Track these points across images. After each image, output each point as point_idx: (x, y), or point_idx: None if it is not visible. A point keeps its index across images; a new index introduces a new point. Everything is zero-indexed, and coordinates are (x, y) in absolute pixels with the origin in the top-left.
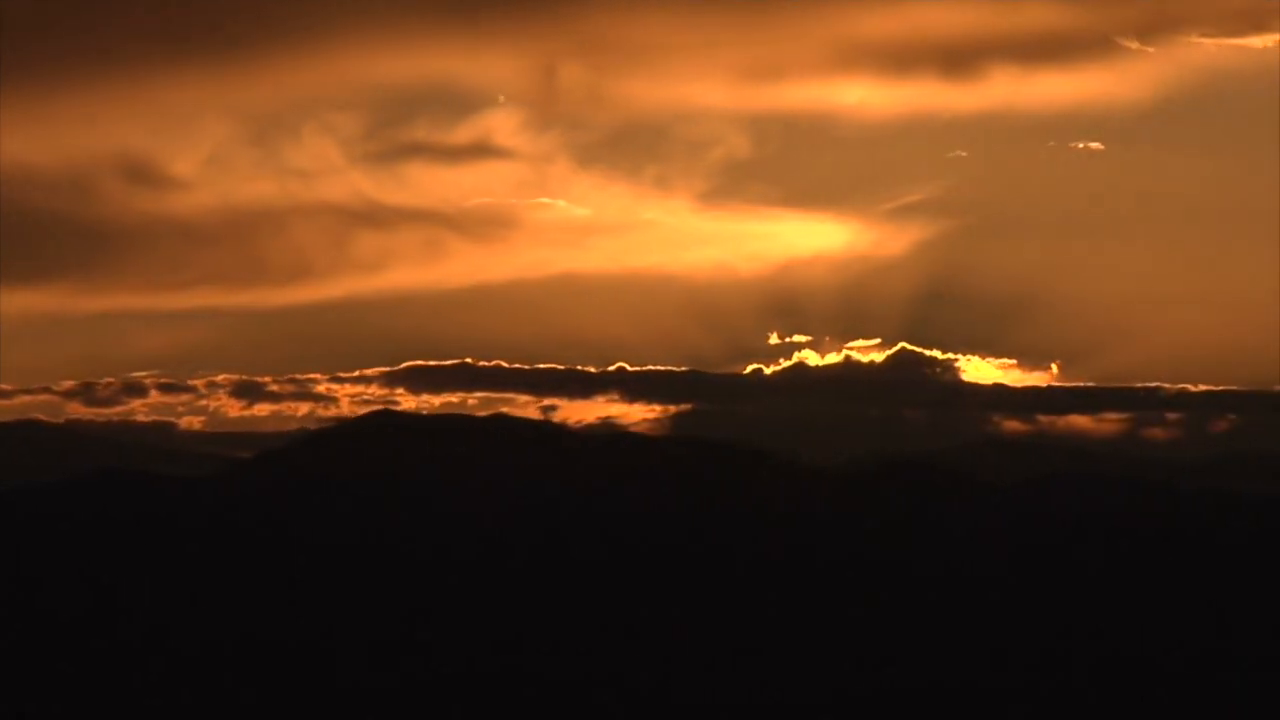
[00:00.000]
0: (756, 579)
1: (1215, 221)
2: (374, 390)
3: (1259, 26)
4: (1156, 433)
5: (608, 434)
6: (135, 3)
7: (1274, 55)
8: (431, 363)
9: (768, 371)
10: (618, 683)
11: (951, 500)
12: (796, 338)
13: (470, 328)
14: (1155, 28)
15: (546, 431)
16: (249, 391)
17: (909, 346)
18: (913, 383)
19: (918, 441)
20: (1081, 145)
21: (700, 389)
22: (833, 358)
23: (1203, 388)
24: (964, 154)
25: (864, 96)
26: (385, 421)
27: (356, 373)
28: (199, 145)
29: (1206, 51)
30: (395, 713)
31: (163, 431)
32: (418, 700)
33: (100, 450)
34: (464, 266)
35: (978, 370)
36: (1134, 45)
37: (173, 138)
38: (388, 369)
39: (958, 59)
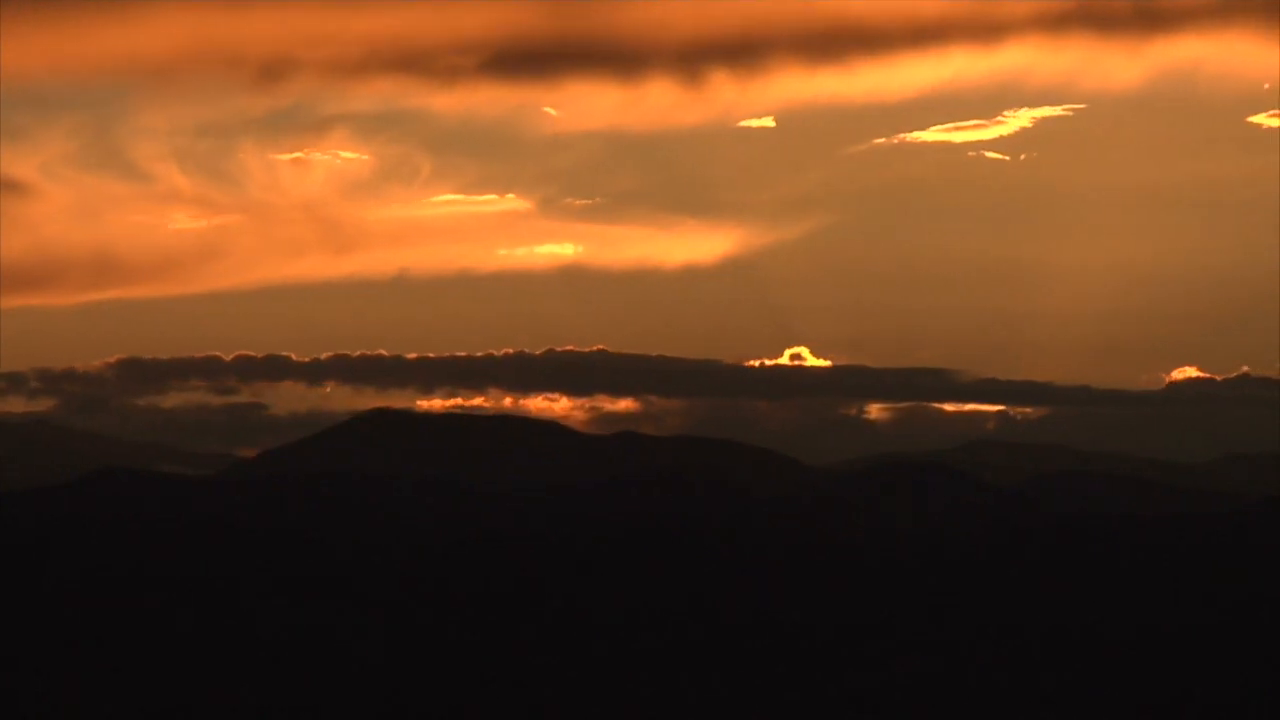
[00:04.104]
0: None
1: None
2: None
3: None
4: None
5: (622, 433)
6: None
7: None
8: (147, 356)
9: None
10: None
11: (951, 500)
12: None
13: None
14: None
15: (552, 430)
16: None
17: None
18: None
19: (917, 442)
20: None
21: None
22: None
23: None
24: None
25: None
26: (386, 421)
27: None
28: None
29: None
30: (392, 711)
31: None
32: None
33: (100, 450)
34: (309, 264)
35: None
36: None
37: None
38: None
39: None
